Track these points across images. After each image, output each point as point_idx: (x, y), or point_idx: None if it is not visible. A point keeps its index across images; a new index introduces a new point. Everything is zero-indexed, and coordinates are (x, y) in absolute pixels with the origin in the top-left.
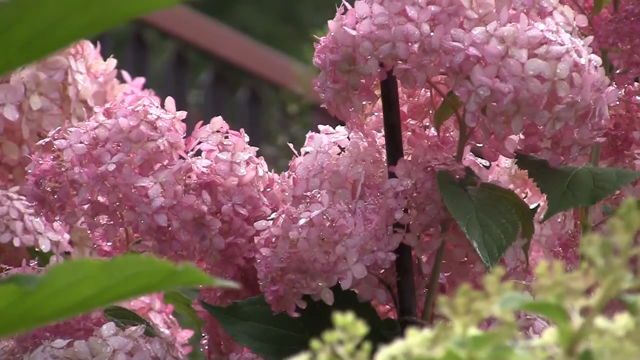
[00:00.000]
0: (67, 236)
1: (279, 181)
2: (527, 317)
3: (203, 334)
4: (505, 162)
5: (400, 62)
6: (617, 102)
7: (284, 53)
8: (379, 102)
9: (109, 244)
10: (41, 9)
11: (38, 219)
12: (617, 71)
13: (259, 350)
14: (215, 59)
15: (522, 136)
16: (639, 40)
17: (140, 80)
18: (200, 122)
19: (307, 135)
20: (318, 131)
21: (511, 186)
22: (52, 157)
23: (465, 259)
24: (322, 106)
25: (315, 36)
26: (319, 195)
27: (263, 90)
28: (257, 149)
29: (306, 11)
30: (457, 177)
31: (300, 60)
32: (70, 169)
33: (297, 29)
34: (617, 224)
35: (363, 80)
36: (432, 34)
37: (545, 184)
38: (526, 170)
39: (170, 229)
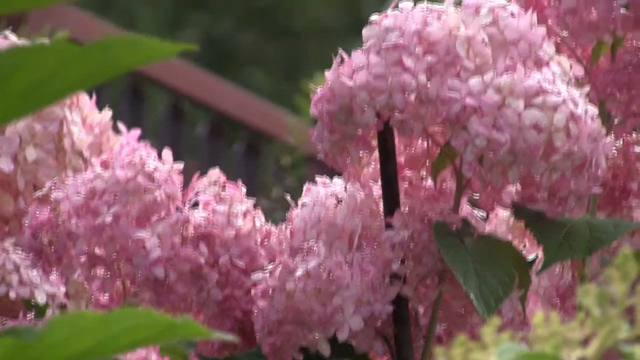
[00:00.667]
0: (63, 289)
1: (276, 233)
2: None
3: None
4: (503, 212)
5: (397, 112)
6: (615, 153)
7: (286, 109)
8: (376, 152)
9: (106, 296)
10: (40, 60)
11: (34, 271)
12: (616, 121)
13: None
14: (211, 111)
15: (519, 187)
16: (637, 91)
17: (137, 131)
18: (197, 173)
19: (304, 187)
20: (314, 183)
21: (509, 237)
22: (48, 208)
23: (463, 310)
24: (318, 157)
25: (312, 86)
26: (315, 247)
27: (260, 143)
28: (254, 200)
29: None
30: (454, 228)
31: (293, 112)
32: (67, 220)
33: (299, 86)
34: (613, 274)
35: (360, 131)
36: (429, 84)
37: (541, 234)
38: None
39: (167, 281)
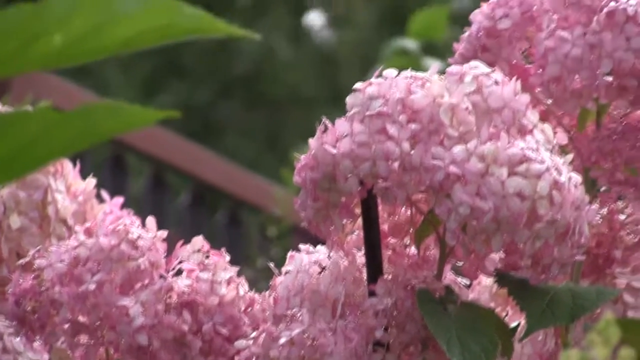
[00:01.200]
0: (46, 356)
1: (260, 300)
2: None
3: None
4: (486, 280)
5: (380, 180)
6: (600, 221)
7: (267, 178)
8: (359, 220)
9: None
10: (23, 126)
11: (18, 339)
12: (601, 189)
13: None
14: (193, 181)
15: (502, 254)
16: (622, 159)
17: (120, 199)
18: (181, 241)
19: (288, 255)
20: (298, 251)
21: (492, 304)
22: (32, 276)
23: None
24: (302, 225)
25: (296, 154)
26: (299, 314)
27: (242, 213)
28: (237, 268)
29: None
30: (438, 295)
31: (280, 183)
32: (50, 288)
33: (281, 156)
34: (595, 339)
35: (343, 199)
36: (412, 152)
37: (524, 302)
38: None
39: (151, 348)
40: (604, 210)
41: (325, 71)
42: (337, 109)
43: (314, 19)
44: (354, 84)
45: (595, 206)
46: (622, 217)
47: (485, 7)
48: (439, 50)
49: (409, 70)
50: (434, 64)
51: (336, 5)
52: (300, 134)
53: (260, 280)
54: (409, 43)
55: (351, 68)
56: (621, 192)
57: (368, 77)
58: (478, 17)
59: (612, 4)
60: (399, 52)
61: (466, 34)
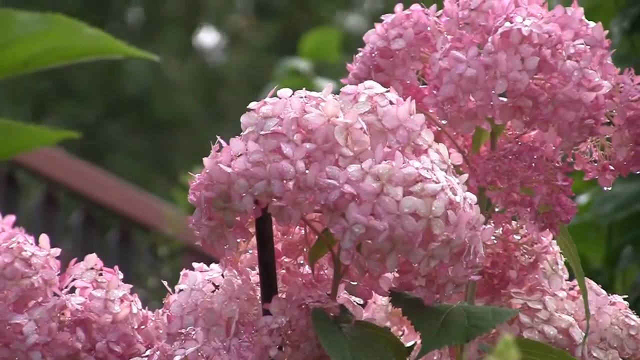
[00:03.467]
0: None
1: (154, 319)
2: None
3: None
4: (381, 299)
5: (275, 199)
6: (495, 241)
7: (155, 197)
8: (254, 239)
9: None
10: None
11: None
12: (496, 210)
13: None
14: (85, 200)
15: (396, 274)
16: (517, 179)
17: (11, 217)
18: (75, 259)
19: (182, 273)
20: (192, 269)
21: (387, 324)
22: None
23: None
24: (193, 244)
25: (191, 173)
26: (193, 333)
27: (133, 232)
28: (131, 286)
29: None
30: (332, 314)
31: (170, 202)
32: None
33: (170, 176)
34: None
35: (238, 218)
36: (307, 171)
37: (419, 321)
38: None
39: None
40: (499, 231)
41: (215, 92)
42: (227, 129)
43: (205, 39)
44: (244, 105)
45: (490, 226)
46: (516, 237)
47: (379, 28)
48: (331, 70)
49: (303, 90)
50: (327, 84)
51: (227, 27)
52: (189, 154)
53: (151, 300)
54: (301, 63)
55: (241, 89)
56: (516, 212)
57: (262, 96)
58: (372, 37)
59: (507, 24)
60: (291, 72)
61: (360, 54)
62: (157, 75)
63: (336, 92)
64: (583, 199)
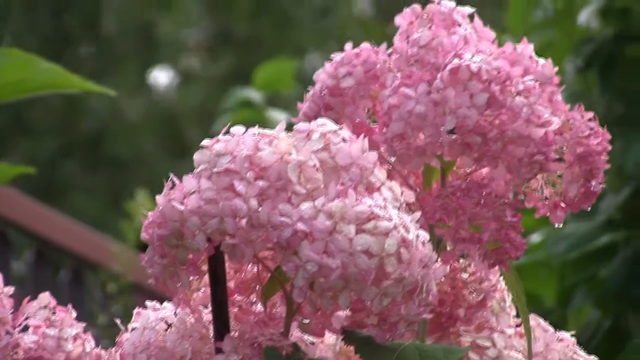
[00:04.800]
0: None
1: (106, 357)
2: None
3: None
4: (330, 338)
5: (228, 237)
6: (443, 279)
7: (110, 237)
8: (206, 277)
9: None
10: None
11: None
12: (447, 248)
13: None
14: (36, 239)
15: (349, 312)
16: (466, 217)
17: None
18: (28, 297)
19: (134, 311)
20: (144, 307)
21: None
22: None
23: None
24: (142, 282)
25: (144, 211)
26: None
27: (85, 271)
28: (84, 324)
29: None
30: (284, 353)
31: (121, 240)
32: None
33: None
34: None
35: (191, 256)
36: (260, 209)
37: (371, 359)
38: (352, 347)
39: None
40: (447, 269)
41: (170, 129)
42: (181, 166)
43: (159, 77)
44: (198, 141)
45: (441, 264)
46: (465, 275)
47: (328, 66)
48: (283, 101)
49: (256, 126)
50: (280, 119)
51: (180, 63)
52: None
53: (102, 338)
54: (253, 94)
55: (195, 125)
56: (465, 250)
57: (215, 131)
58: (321, 76)
59: (456, 60)
60: (243, 103)
61: (310, 93)
62: (112, 113)
63: (289, 123)
64: (535, 237)
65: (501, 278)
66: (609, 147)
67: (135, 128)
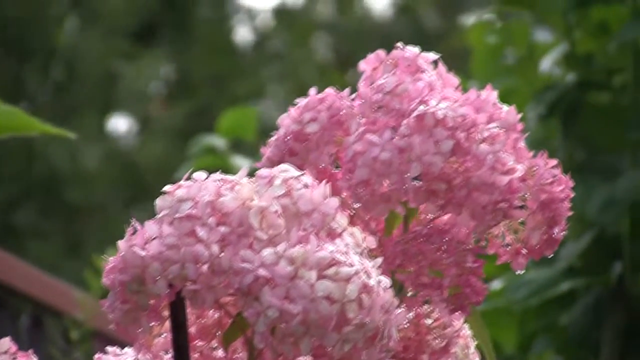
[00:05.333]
0: None
1: None
2: None
3: None
4: None
5: (189, 282)
6: (407, 325)
7: (69, 282)
8: (168, 322)
9: None
10: None
11: None
12: (408, 294)
13: None
14: None
15: (310, 358)
16: (427, 262)
17: None
18: None
19: (95, 357)
20: (105, 353)
21: None
22: None
23: None
24: (104, 329)
25: (105, 256)
26: None
27: (45, 317)
28: None
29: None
30: None
31: (82, 287)
32: None
33: (83, 259)
34: None
35: (152, 301)
36: (221, 255)
37: None
38: None
39: None
40: (411, 315)
41: (129, 175)
42: (142, 212)
43: (118, 124)
44: (159, 187)
45: (403, 310)
46: (428, 321)
47: (293, 111)
48: (247, 148)
49: (218, 172)
50: (244, 165)
51: (140, 111)
52: (103, 239)
53: None
54: (217, 141)
55: (156, 171)
56: (427, 295)
57: (177, 178)
58: (286, 121)
59: (421, 107)
60: (207, 150)
61: (274, 137)
62: (70, 159)
63: (253, 169)
64: (497, 284)
65: (466, 324)
66: (572, 194)
67: (93, 174)
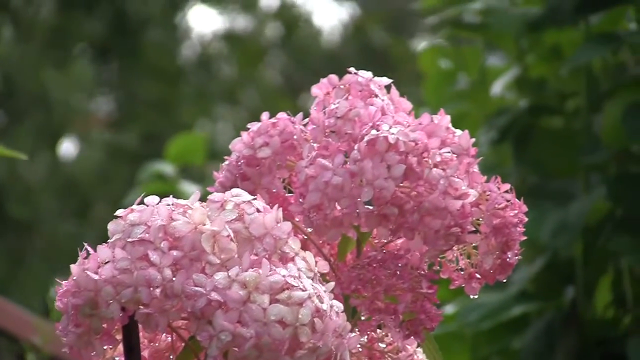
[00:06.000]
0: None
1: None
2: None
3: None
4: None
5: (142, 306)
6: (360, 349)
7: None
8: (121, 346)
9: None
10: None
11: None
12: (362, 318)
13: None
14: None
15: None
16: (382, 287)
17: None
18: None
19: None
20: None
21: None
22: None
23: None
24: (61, 353)
25: (58, 280)
26: None
27: (1, 342)
28: None
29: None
30: None
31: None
32: None
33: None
34: None
35: (105, 325)
36: (174, 279)
37: None
38: None
39: None
40: (364, 339)
41: (71, 192)
42: (85, 231)
43: (64, 145)
44: (101, 206)
45: (356, 334)
46: (382, 345)
47: (245, 136)
48: (196, 174)
49: (170, 197)
50: (192, 191)
51: (85, 129)
52: (46, 256)
53: None
54: (166, 167)
55: (98, 191)
56: (381, 320)
57: (127, 202)
58: (238, 145)
59: (373, 132)
60: (156, 176)
61: (226, 162)
62: (13, 175)
63: (202, 196)
64: (449, 308)
65: (419, 348)
66: (525, 219)
67: (37, 191)
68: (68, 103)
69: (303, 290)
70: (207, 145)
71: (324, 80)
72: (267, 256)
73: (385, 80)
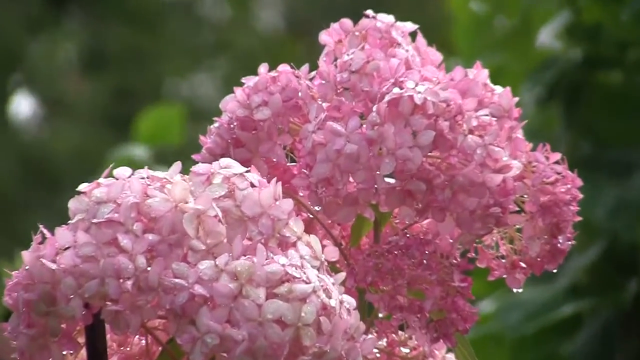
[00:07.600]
0: None
1: None
2: None
3: None
4: None
5: (109, 302)
6: (378, 355)
7: None
8: (84, 351)
9: None
10: None
11: None
12: (380, 316)
13: None
14: None
15: None
16: (404, 280)
17: None
18: None
19: None
20: None
21: None
22: None
23: None
24: (13, 356)
25: (6, 270)
26: None
27: None
28: None
29: None
30: None
31: None
32: None
33: None
34: None
35: (64, 325)
36: (149, 268)
37: None
38: None
39: None
40: (383, 342)
41: (36, 169)
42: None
43: (21, 107)
44: (70, 185)
45: (372, 336)
46: (404, 350)
47: (239, 93)
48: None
49: (145, 169)
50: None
51: (49, 90)
52: (9, 239)
53: None
54: (137, 150)
55: (68, 166)
56: (403, 319)
57: (94, 177)
58: (230, 104)
59: (396, 90)
60: (126, 162)
61: (215, 125)
62: None
63: (185, 173)
64: (486, 306)
65: (451, 354)
66: (580, 196)
67: None
68: (32, 60)
69: (307, 283)
70: (186, 112)
71: (335, 26)
72: (263, 241)
73: (410, 26)
